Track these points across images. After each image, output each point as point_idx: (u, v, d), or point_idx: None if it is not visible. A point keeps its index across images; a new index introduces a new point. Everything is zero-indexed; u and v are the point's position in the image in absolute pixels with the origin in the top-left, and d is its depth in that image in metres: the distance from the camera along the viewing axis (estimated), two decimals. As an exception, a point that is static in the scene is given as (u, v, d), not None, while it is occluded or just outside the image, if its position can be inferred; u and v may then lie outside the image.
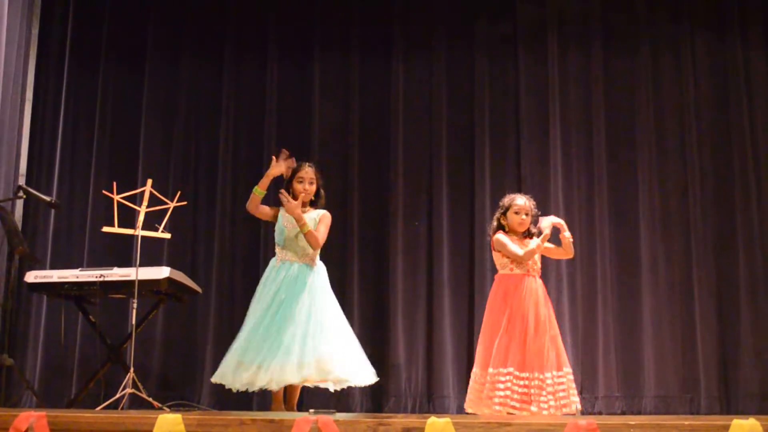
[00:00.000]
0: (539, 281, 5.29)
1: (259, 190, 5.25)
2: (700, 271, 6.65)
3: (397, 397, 6.60)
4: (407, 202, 6.92)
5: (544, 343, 5.08)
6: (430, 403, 6.59)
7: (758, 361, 6.47)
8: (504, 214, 5.35)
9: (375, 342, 6.69)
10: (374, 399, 6.62)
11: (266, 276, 5.28)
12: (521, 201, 5.34)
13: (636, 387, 6.50)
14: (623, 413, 6.39)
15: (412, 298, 6.78)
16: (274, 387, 4.99)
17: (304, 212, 5.23)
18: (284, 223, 5.27)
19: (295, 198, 5.24)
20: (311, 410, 4.07)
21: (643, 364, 6.52)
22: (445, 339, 6.66)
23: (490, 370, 5.09)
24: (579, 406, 5.06)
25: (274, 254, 5.35)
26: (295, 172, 5.30)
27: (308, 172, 5.30)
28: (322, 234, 5.24)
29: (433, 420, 3.36)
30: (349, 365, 5.10)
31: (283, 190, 5.23)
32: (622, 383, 6.52)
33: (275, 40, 7.25)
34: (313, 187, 5.30)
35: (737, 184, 6.78)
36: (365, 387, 6.50)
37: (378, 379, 5.30)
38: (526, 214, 5.30)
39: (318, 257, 5.31)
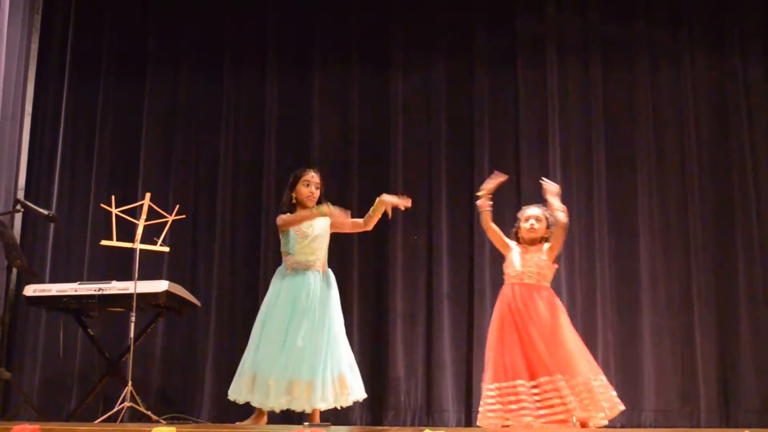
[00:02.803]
0: (518, 288, 5.21)
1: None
2: (699, 284, 6.62)
3: (396, 410, 6.57)
4: (406, 214, 6.90)
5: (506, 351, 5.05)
6: (429, 416, 6.56)
7: (758, 374, 6.45)
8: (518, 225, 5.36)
9: (374, 355, 6.70)
10: (373, 412, 6.60)
11: (279, 285, 5.15)
12: (530, 211, 5.33)
13: (635, 401, 6.45)
14: (623, 427, 6.35)
15: (412, 311, 6.77)
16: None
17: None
18: (294, 230, 5.18)
19: (299, 202, 5.18)
20: (306, 423, 4.07)
21: (643, 378, 6.50)
22: (444, 353, 6.65)
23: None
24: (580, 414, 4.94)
25: (273, 268, 5.31)
26: (299, 176, 5.21)
27: (314, 176, 5.21)
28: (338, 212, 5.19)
29: (427, 432, 3.35)
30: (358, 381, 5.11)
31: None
32: (622, 397, 6.37)
33: (275, 51, 7.27)
34: (318, 193, 5.21)
35: (736, 197, 6.76)
36: (365, 401, 6.54)
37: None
38: (537, 220, 5.28)
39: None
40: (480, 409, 5.08)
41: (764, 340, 6.51)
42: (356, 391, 5.08)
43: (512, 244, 5.33)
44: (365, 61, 7.21)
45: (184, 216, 5.98)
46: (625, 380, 6.50)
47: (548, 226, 5.27)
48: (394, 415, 6.57)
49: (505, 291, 5.23)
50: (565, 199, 6.71)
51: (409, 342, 6.71)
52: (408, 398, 6.61)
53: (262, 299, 5.22)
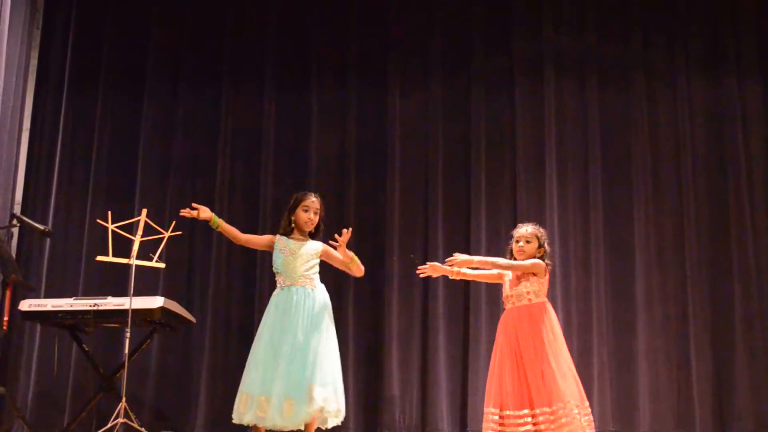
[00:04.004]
0: (509, 313, 5.19)
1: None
2: (695, 304, 6.63)
3: (391, 429, 6.55)
4: (403, 234, 6.92)
5: (513, 378, 5.03)
6: (424, 436, 6.57)
7: (753, 395, 6.44)
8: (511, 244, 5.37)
9: (369, 373, 6.69)
10: (368, 431, 6.58)
11: (270, 303, 5.13)
12: (521, 231, 5.31)
13: (631, 421, 6.46)
14: (618, 448, 6.37)
15: (407, 331, 6.75)
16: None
17: (302, 242, 5.14)
18: (281, 249, 5.18)
19: (297, 226, 5.17)
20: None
21: (638, 398, 6.49)
22: (439, 372, 6.63)
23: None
24: None
25: (269, 285, 5.29)
26: (300, 200, 5.19)
27: (314, 202, 5.18)
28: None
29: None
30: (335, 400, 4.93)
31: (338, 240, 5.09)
32: (617, 417, 6.48)
33: (273, 69, 7.28)
34: (317, 218, 5.19)
35: (732, 218, 6.77)
36: (359, 419, 6.52)
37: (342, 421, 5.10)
38: (527, 241, 5.27)
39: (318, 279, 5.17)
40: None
41: (760, 361, 6.52)
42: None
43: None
44: (363, 81, 7.22)
45: (180, 232, 5.99)
46: (620, 401, 6.51)
47: (540, 246, 5.26)
48: (389, 433, 6.57)
49: (502, 317, 5.24)
50: (561, 218, 6.78)
51: (404, 361, 6.70)
52: (403, 417, 6.59)
53: (258, 316, 5.22)
